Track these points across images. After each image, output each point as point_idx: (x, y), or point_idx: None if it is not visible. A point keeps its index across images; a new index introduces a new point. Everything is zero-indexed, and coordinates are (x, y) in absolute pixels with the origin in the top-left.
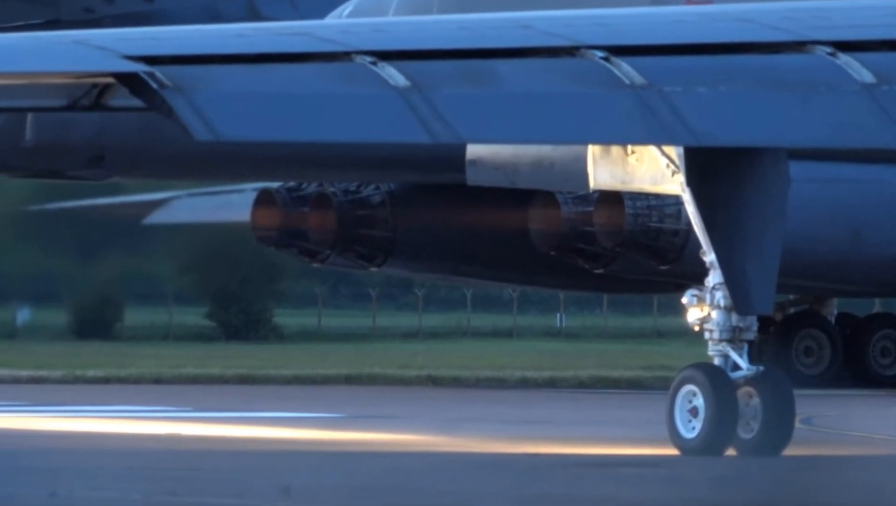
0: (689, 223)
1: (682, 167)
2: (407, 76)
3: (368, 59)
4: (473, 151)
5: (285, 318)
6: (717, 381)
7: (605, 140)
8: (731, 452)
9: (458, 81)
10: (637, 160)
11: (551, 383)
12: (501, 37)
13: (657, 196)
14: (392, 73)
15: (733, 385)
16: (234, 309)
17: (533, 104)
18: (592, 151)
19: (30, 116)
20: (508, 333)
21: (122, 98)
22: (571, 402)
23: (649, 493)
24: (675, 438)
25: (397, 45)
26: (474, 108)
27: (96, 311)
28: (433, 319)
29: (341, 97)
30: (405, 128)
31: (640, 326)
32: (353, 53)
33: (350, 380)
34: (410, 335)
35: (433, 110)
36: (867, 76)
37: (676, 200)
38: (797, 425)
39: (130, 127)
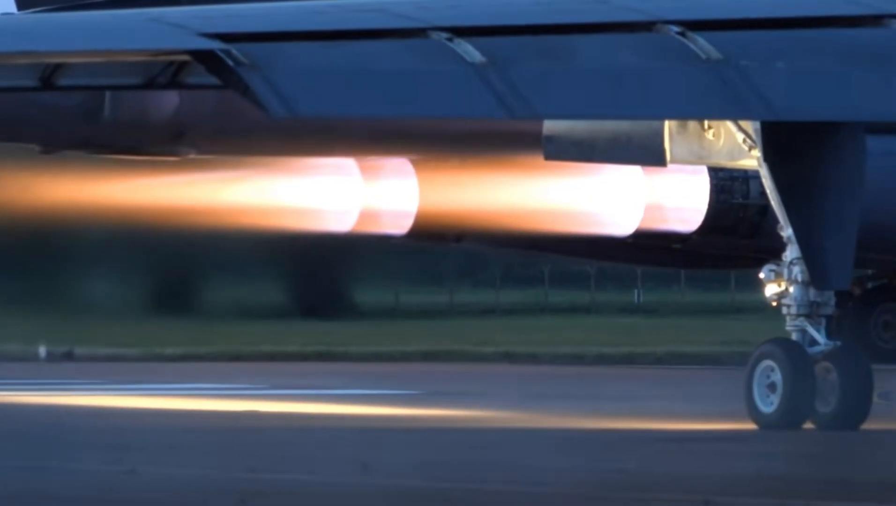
0: (766, 198)
1: (759, 142)
2: (483, 52)
3: (444, 35)
4: (550, 126)
5: (363, 294)
6: (795, 356)
7: (682, 115)
8: (808, 426)
9: (535, 57)
10: (714, 135)
11: (629, 359)
12: (577, 12)
13: (735, 171)
14: (468, 50)
15: (811, 360)
16: (311, 286)
17: (609, 80)
18: (669, 126)
19: (108, 93)
20: (586, 310)
21: (199, 76)
22: (649, 378)
23: (727, 468)
24: (754, 412)
25: (473, 21)
26: (551, 83)
27: (174, 287)
28: (511, 296)
29: (418, 73)
30: (482, 103)
31: (717, 302)
32: (429, 30)
33: (428, 357)
34: (488, 312)
35: (510, 86)
36: None
37: (754, 175)
38: (875, 399)
39: (210, 103)
